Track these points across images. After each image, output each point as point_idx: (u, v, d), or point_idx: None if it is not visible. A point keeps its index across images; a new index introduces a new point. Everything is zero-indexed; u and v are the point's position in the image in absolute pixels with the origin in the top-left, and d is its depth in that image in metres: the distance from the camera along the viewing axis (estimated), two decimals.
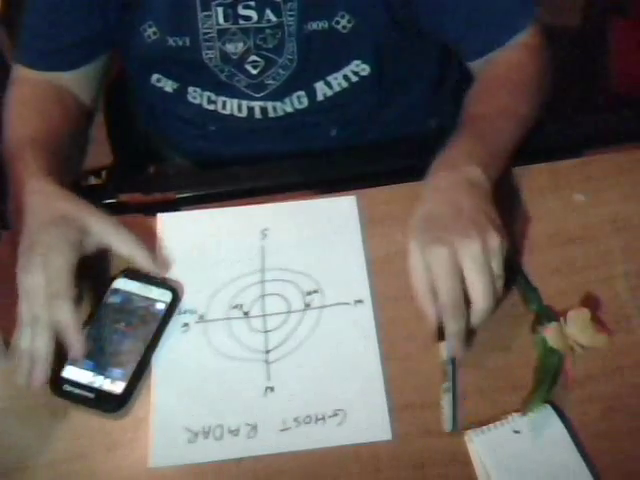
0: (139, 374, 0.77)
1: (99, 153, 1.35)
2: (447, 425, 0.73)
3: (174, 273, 0.85)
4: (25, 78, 0.99)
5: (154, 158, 1.22)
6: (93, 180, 1.51)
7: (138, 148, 1.23)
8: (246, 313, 0.82)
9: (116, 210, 0.92)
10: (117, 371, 0.76)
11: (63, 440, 0.74)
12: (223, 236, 0.88)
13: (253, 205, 0.91)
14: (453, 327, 0.74)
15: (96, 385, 0.76)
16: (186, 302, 0.83)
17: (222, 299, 0.83)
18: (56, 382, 0.76)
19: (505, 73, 0.96)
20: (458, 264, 0.74)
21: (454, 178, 0.81)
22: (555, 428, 0.73)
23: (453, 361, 0.77)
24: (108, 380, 0.76)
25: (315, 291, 0.84)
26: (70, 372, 0.76)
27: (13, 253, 0.86)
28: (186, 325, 0.81)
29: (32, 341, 0.74)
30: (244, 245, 0.87)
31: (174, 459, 0.73)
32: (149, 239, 0.87)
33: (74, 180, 0.93)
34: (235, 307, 0.83)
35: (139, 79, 1.07)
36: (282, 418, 0.75)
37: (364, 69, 1.01)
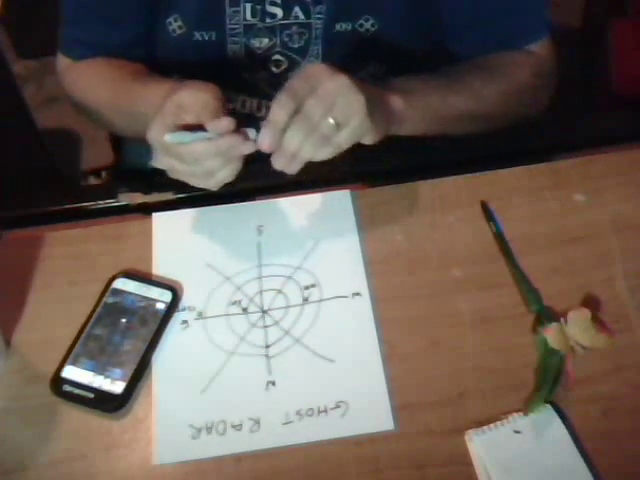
0: (139, 374, 0.77)
1: (99, 153, 1.35)
2: None
3: (172, 271, 0.85)
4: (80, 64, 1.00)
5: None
6: (93, 180, 1.51)
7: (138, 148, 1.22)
8: (245, 309, 0.83)
9: (116, 210, 0.92)
10: (117, 371, 0.76)
11: (63, 440, 0.74)
12: (219, 233, 0.88)
13: (247, 202, 0.91)
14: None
15: (96, 385, 0.76)
16: (185, 299, 0.83)
17: (220, 296, 0.83)
18: (56, 382, 0.76)
19: (495, 62, 0.94)
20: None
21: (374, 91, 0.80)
22: (556, 428, 0.73)
23: None
24: (108, 380, 0.76)
25: (313, 285, 0.84)
26: (70, 372, 0.76)
27: (13, 253, 0.86)
28: (185, 322, 0.82)
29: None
30: (240, 242, 0.88)
31: (178, 455, 0.73)
32: (148, 238, 0.87)
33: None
34: (234, 303, 0.83)
35: None
36: (284, 412, 0.75)
37: (379, 70, 1.01)
